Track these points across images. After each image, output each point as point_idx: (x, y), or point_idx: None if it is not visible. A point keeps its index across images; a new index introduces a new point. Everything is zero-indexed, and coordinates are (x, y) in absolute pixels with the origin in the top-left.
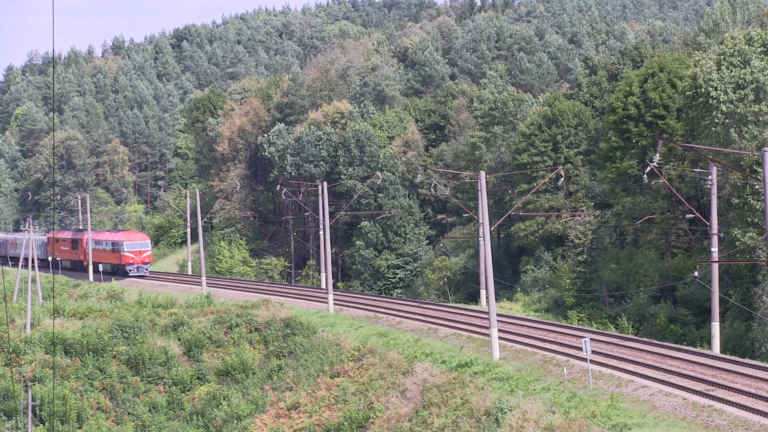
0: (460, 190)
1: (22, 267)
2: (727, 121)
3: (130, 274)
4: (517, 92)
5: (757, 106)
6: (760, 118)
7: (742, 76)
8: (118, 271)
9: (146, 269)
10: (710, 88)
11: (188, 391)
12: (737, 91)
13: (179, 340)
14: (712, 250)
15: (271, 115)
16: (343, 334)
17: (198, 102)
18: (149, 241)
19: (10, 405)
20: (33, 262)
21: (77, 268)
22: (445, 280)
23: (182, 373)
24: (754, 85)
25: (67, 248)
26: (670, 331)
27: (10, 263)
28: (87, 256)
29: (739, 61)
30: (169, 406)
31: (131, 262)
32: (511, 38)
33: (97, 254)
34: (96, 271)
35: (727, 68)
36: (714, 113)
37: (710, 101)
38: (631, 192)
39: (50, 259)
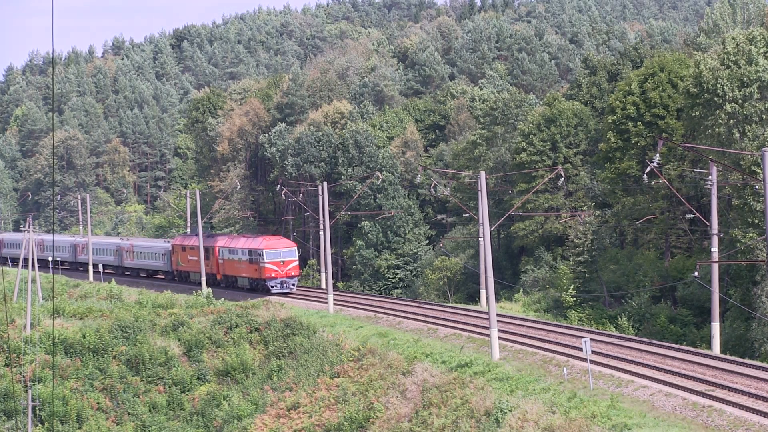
0: (460, 190)
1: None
2: (731, 121)
3: (273, 291)
4: (519, 92)
5: (761, 104)
6: (764, 116)
7: (746, 74)
8: (257, 287)
9: (293, 284)
10: (717, 85)
11: (188, 391)
12: (742, 89)
13: (179, 340)
14: (712, 250)
15: (271, 115)
16: (343, 334)
17: (198, 102)
18: (295, 248)
19: (10, 405)
20: (33, 262)
21: (209, 283)
22: (445, 280)
23: (182, 373)
24: (758, 84)
25: (196, 257)
26: (670, 331)
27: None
28: (220, 267)
29: (744, 61)
30: (169, 406)
31: (273, 275)
32: (511, 38)
33: (230, 266)
34: (231, 287)
35: (732, 66)
36: (717, 112)
37: (715, 99)
38: (631, 192)
39: (176, 271)
